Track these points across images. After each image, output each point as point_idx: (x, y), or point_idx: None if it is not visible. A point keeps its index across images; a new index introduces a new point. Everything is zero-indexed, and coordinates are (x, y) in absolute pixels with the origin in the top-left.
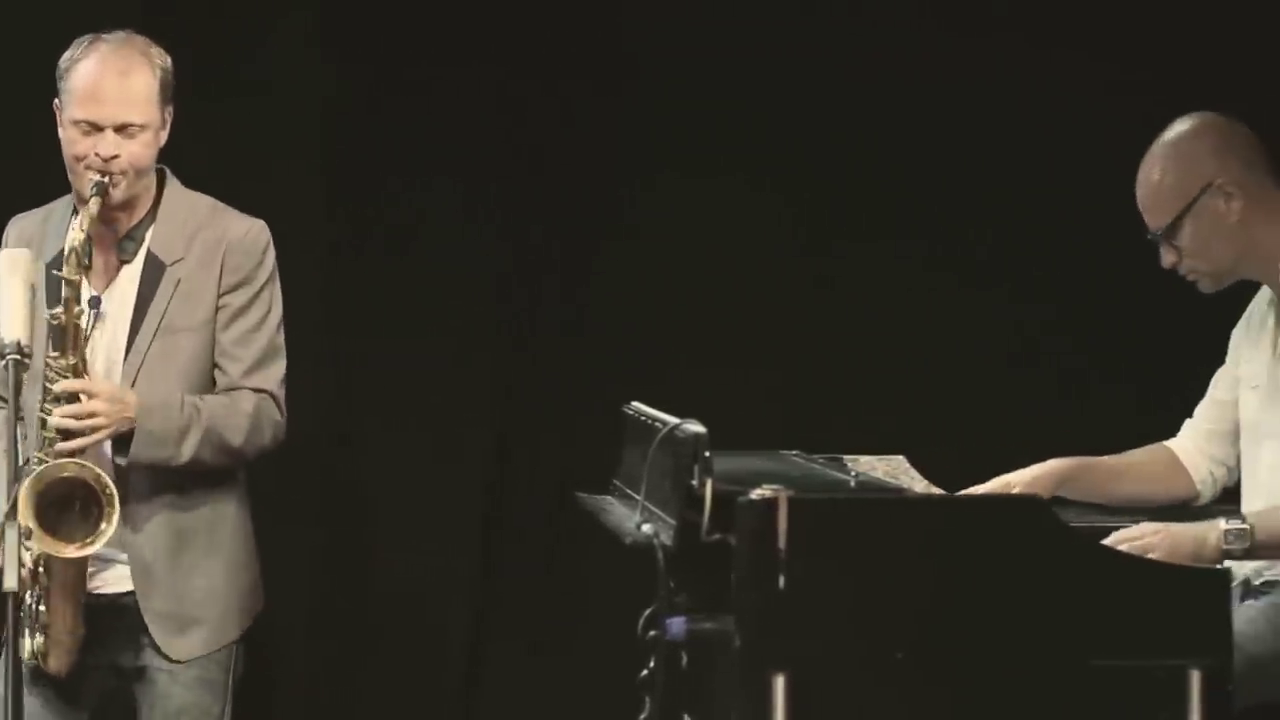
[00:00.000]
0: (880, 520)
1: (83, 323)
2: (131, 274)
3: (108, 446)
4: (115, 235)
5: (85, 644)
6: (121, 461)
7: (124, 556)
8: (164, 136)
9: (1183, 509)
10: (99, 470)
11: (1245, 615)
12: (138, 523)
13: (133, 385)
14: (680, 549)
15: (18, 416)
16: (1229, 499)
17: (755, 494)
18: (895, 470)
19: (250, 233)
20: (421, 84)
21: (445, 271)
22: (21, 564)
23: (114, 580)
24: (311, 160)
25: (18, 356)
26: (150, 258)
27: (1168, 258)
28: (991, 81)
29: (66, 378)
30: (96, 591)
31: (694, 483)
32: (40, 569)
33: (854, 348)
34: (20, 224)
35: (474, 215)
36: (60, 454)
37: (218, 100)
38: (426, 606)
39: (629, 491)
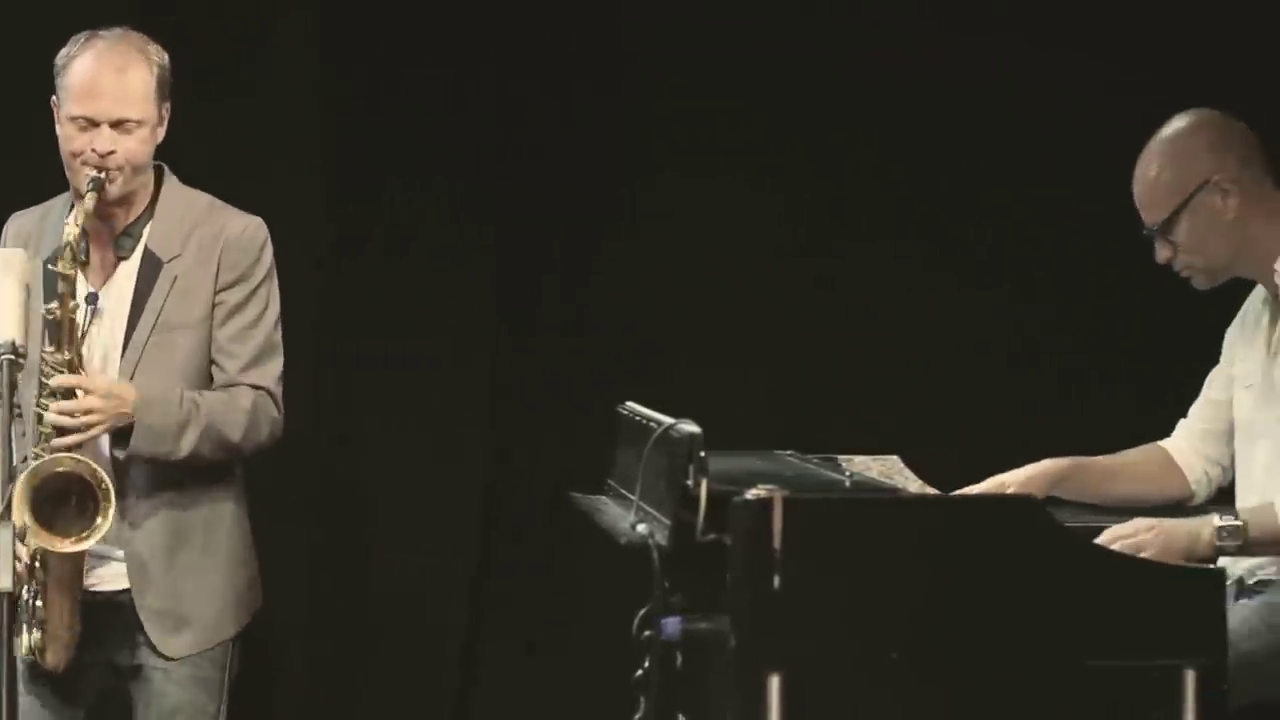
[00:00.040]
0: (875, 520)
1: (78, 318)
2: (129, 271)
3: (105, 440)
4: (113, 232)
5: (82, 641)
6: (120, 455)
7: (120, 554)
8: (161, 133)
9: (1177, 509)
10: (94, 465)
11: (1239, 615)
12: (135, 519)
13: (130, 381)
14: (675, 549)
15: (17, 414)
16: (1224, 499)
17: (750, 494)
18: (890, 470)
19: (248, 230)
20: (420, 83)
21: (443, 271)
22: (18, 558)
23: (110, 578)
24: (310, 160)
25: (11, 356)
26: (147, 254)
27: (1162, 253)
28: (991, 81)
29: (62, 373)
30: (92, 589)
31: (689, 483)
32: (37, 564)
33: (850, 348)
34: (19, 221)
35: (472, 215)
36: (57, 449)
37: (215, 100)
38: (423, 606)
39: (624, 491)
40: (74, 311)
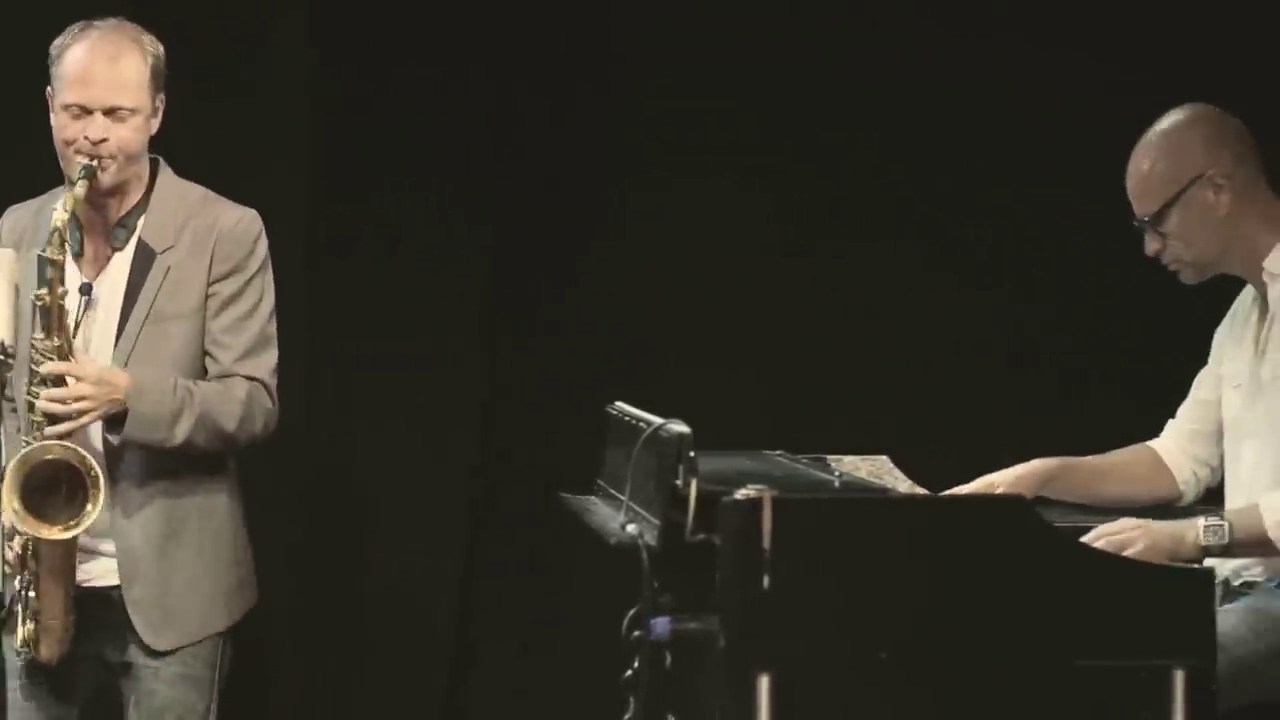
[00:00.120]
0: (864, 520)
1: (67, 303)
2: (122, 262)
3: (97, 429)
4: (107, 223)
5: (74, 635)
6: (114, 440)
7: (110, 548)
8: (155, 124)
9: (1166, 509)
10: (84, 453)
11: (1227, 621)
12: (127, 508)
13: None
14: (664, 549)
15: (11, 410)
16: (1213, 500)
17: (739, 494)
18: (879, 470)
19: (242, 222)
20: (411, 83)
21: (432, 271)
22: (10, 548)
23: (101, 573)
24: (301, 159)
25: (0, 356)
26: (141, 245)
27: (1151, 245)
28: (989, 81)
29: (52, 359)
30: (85, 584)
31: (678, 483)
32: (29, 554)
33: (839, 348)
34: (14, 215)
35: (462, 215)
36: (49, 437)
37: (207, 99)
38: (412, 606)
39: (613, 492)
40: (63, 297)
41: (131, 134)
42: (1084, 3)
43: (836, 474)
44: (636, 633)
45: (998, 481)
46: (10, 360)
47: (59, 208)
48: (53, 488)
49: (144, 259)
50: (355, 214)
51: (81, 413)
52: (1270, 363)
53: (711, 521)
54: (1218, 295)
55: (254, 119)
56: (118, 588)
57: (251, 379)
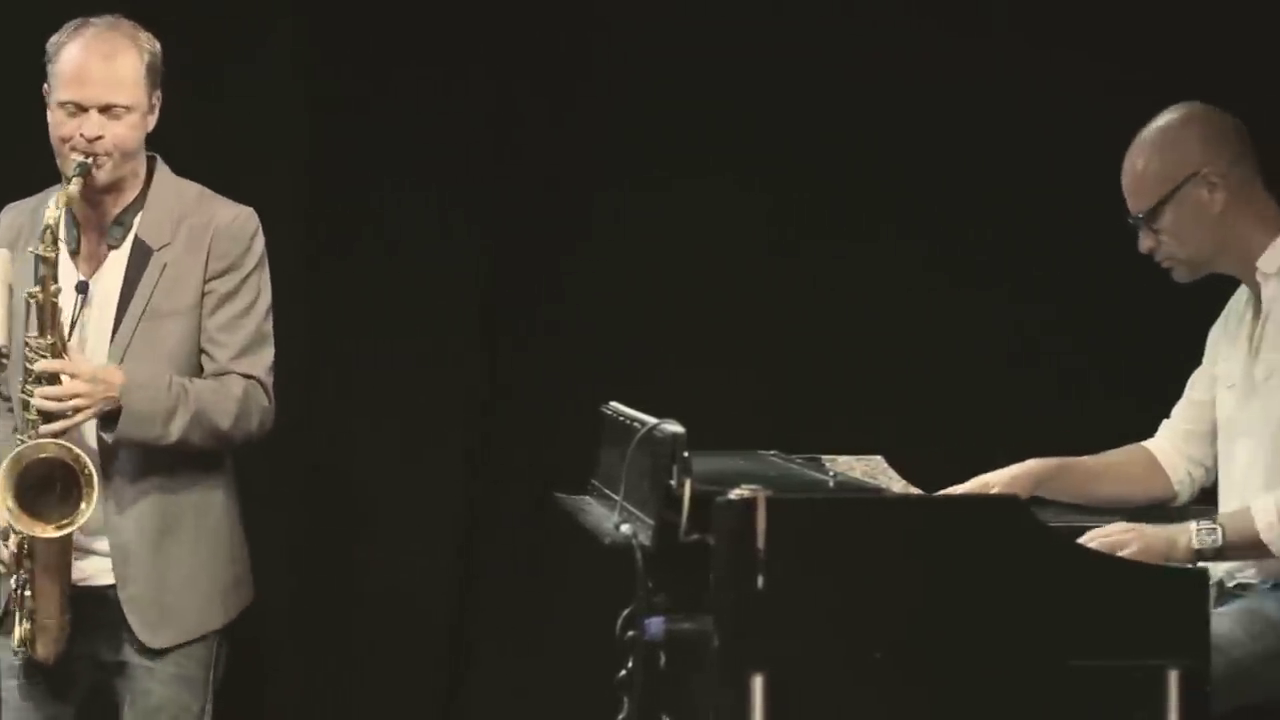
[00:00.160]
0: (858, 520)
1: (61, 301)
2: (119, 259)
3: (92, 425)
4: (104, 221)
5: (70, 634)
6: (108, 438)
7: (105, 547)
8: (152, 121)
9: (1160, 509)
10: (78, 451)
11: (1222, 623)
12: (123, 505)
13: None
14: (659, 549)
15: (7, 409)
16: (1207, 499)
17: (733, 494)
18: (873, 470)
19: (238, 219)
20: (409, 83)
21: (430, 271)
22: (5, 547)
23: (96, 572)
24: (298, 159)
25: None
26: (137, 243)
27: (1145, 242)
28: (989, 81)
29: (46, 357)
30: (80, 583)
31: (672, 483)
32: (24, 553)
33: (834, 348)
34: (11, 213)
35: (459, 215)
36: (44, 435)
37: (204, 99)
38: (408, 606)
39: (607, 492)
40: (56, 295)
41: (127, 131)
42: (1084, 3)
43: (831, 474)
44: (631, 633)
45: (993, 482)
46: (4, 359)
47: (51, 205)
48: (47, 486)
49: (140, 256)
50: (354, 214)
51: (76, 410)
52: (1264, 362)
53: (706, 521)
54: (1216, 295)
55: (252, 118)
56: (113, 586)
57: (248, 377)
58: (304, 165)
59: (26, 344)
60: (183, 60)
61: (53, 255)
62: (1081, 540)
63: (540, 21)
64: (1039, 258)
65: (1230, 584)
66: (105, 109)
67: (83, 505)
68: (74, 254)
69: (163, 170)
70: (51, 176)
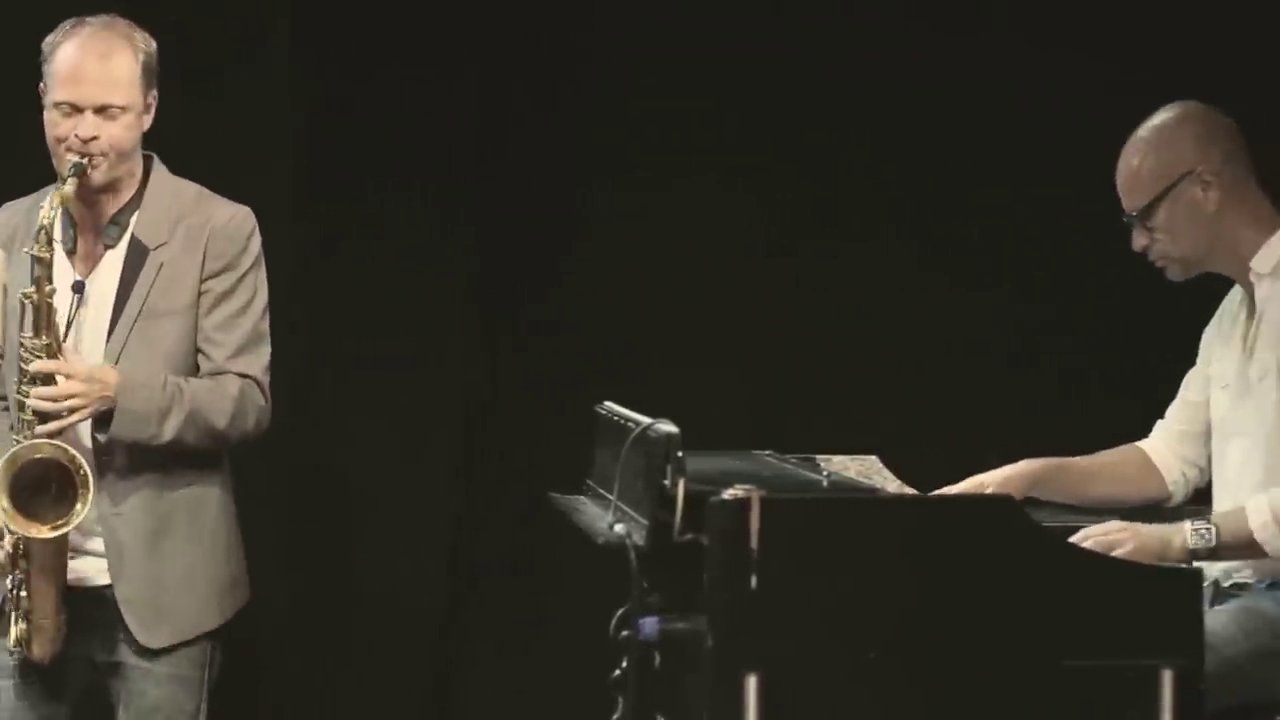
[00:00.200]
0: (853, 520)
1: (55, 302)
2: (115, 259)
3: (86, 426)
4: (100, 220)
5: (66, 634)
6: (101, 438)
7: (101, 547)
8: (147, 121)
9: (1155, 510)
10: (73, 451)
11: (1216, 619)
12: (118, 505)
13: (113, 366)
14: (653, 549)
15: (3, 409)
16: (1201, 500)
17: (728, 494)
18: (868, 470)
19: (235, 219)
20: (396, 84)
21: (419, 271)
22: (1, 547)
23: (91, 572)
24: (286, 159)
25: None
26: (134, 242)
27: (1139, 240)
28: (981, 80)
29: (41, 358)
30: (75, 583)
31: (666, 483)
32: (19, 553)
33: (828, 348)
34: (6, 213)
35: (448, 215)
36: (39, 436)
37: (195, 98)
38: (400, 607)
39: (602, 491)
40: (50, 295)
41: (122, 132)
42: (1084, 3)
43: (825, 474)
44: (625, 632)
45: (987, 482)
46: None
47: (46, 205)
48: (42, 486)
49: (137, 256)
50: (345, 214)
51: (72, 410)
52: (1258, 362)
53: (699, 521)
54: (1211, 296)
55: (245, 118)
56: (108, 586)
57: (244, 376)
58: (295, 165)
59: (21, 344)
60: (176, 60)
61: (47, 256)
62: (1076, 537)
63: (530, 21)
64: (1034, 257)
65: (1226, 583)
66: (100, 109)
67: (78, 506)
68: (70, 254)
69: (159, 170)
70: (49, 176)
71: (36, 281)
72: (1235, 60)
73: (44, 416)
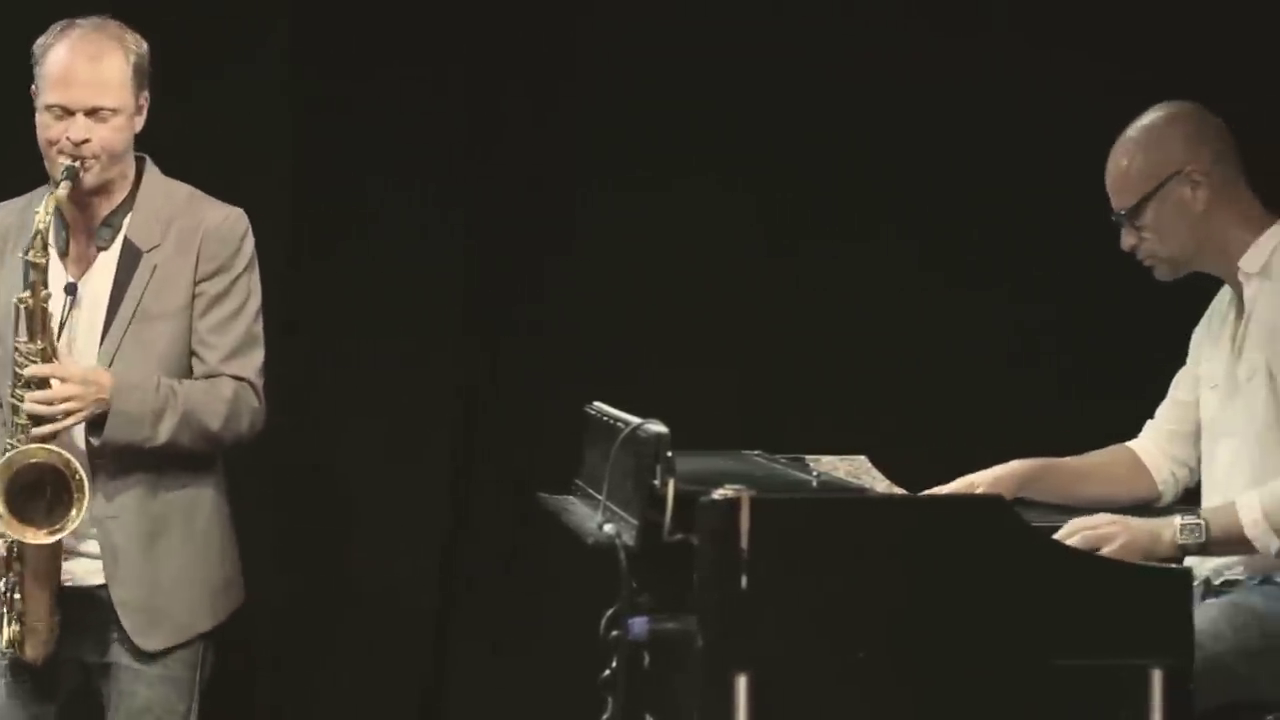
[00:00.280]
0: (842, 520)
1: (50, 306)
2: (108, 261)
3: (80, 431)
4: (92, 222)
5: (58, 636)
6: (95, 441)
7: (95, 549)
8: (139, 122)
9: (1145, 510)
10: (68, 456)
11: (1205, 615)
12: (112, 508)
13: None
14: (642, 549)
15: None
16: (1191, 500)
17: (717, 494)
18: (857, 470)
19: (228, 221)
20: (391, 84)
21: (415, 270)
22: None
23: (85, 572)
24: (283, 159)
25: None
26: (127, 244)
27: (1127, 240)
28: (977, 80)
29: (36, 362)
30: (68, 583)
31: (656, 483)
32: (13, 556)
33: (818, 348)
34: None
35: (444, 214)
36: (34, 439)
37: (189, 99)
38: (390, 607)
39: (591, 491)
40: (46, 300)
41: (114, 134)
42: (1084, 3)
43: (814, 474)
44: (614, 632)
45: (977, 482)
46: None
47: (41, 210)
48: (37, 491)
49: (130, 258)
50: (338, 214)
51: (68, 413)
52: (1247, 362)
53: (689, 521)
54: (1205, 297)
55: (237, 119)
56: (101, 587)
57: (238, 378)
58: (289, 166)
59: (16, 349)
60: (169, 60)
61: (43, 261)
62: (1064, 529)
63: (522, 22)
64: (1030, 258)
65: (1217, 581)
66: (92, 112)
67: (73, 512)
68: (63, 255)
69: (152, 171)
70: (44, 176)
71: (32, 286)
72: (1234, 60)
73: (38, 420)
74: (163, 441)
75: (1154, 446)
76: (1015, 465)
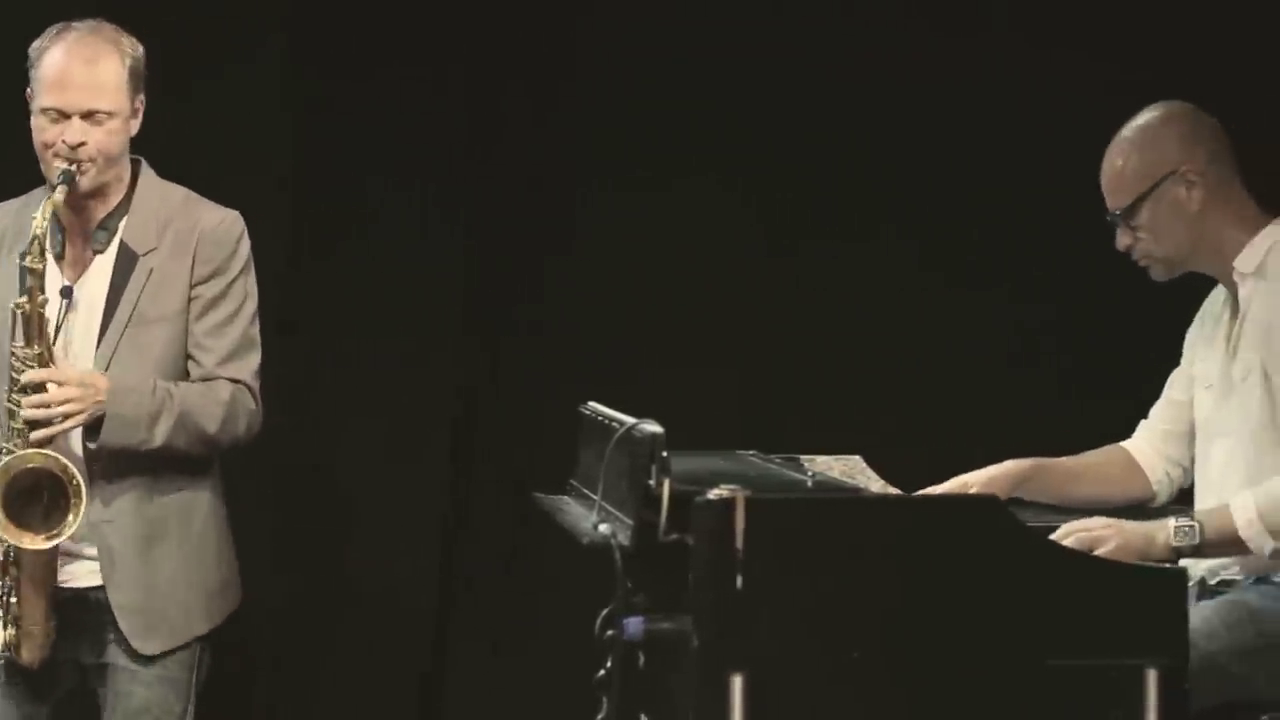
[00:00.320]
0: (837, 520)
1: (47, 311)
2: (104, 264)
3: (77, 436)
4: (88, 225)
5: (54, 639)
6: (91, 445)
7: (93, 551)
8: (135, 125)
9: (1139, 510)
10: (66, 461)
11: (1200, 614)
12: (109, 512)
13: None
14: (637, 549)
15: None
16: (1186, 500)
17: (712, 494)
18: (852, 470)
19: (223, 223)
20: (390, 84)
21: (413, 271)
22: None
23: (81, 574)
24: (281, 160)
25: None
26: (123, 248)
27: (1123, 240)
28: (990, 81)
29: (33, 367)
30: (64, 585)
31: (651, 482)
32: (10, 560)
33: (813, 348)
34: None
35: (442, 215)
36: (33, 444)
37: (187, 100)
38: (387, 607)
39: (586, 491)
40: (43, 305)
41: (110, 137)
42: (1084, 3)
43: (809, 474)
44: (610, 632)
45: (971, 482)
46: None
47: (38, 215)
48: (34, 496)
49: (126, 261)
50: (337, 214)
51: (67, 416)
52: (1242, 361)
53: (684, 521)
54: (1201, 297)
55: (235, 119)
56: (98, 588)
57: (235, 381)
58: (287, 166)
59: (13, 354)
60: (166, 62)
61: (40, 267)
62: (1059, 532)
63: (522, 22)
64: (1027, 258)
65: (1213, 581)
66: (87, 115)
67: (70, 517)
68: (58, 259)
69: (147, 174)
70: (38, 178)
71: (28, 291)
72: (1234, 61)
73: (36, 425)
74: (159, 444)
75: (1148, 446)
76: (1009, 465)
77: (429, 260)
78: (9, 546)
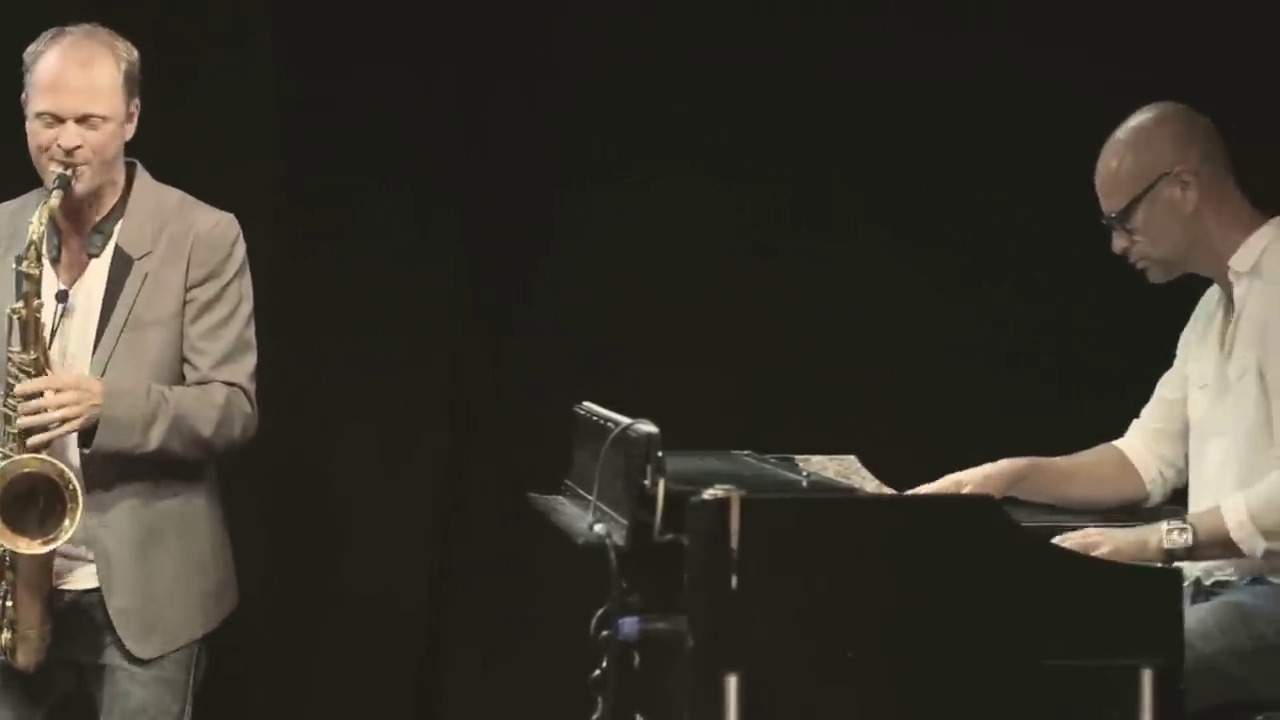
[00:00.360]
0: (832, 520)
1: (43, 316)
2: (99, 268)
3: (73, 441)
4: (84, 229)
5: (50, 643)
6: (86, 450)
7: (90, 555)
8: (130, 129)
9: (1133, 509)
10: (62, 466)
11: (1195, 616)
12: (106, 516)
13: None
14: (633, 549)
15: None
16: (1178, 500)
17: (707, 494)
18: (846, 470)
19: (218, 226)
20: (379, 84)
21: (401, 271)
22: None
23: (78, 577)
24: (270, 161)
25: None
26: (118, 252)
27: (1119, 243)
28: (990, 81)
29: (29, 373)
30: (61, 588)
31: (646, 483)
32: (6, 565)
33: (807, 348)
34: None
35: (430, 216)
36: (30, 448)
37: (176, 102)
38: (382, 608)
39: (581, 492)
40: (39, 310)
41: (104, 140)
42: (1084, 3)
43: (804, 474)
44: (605, 632)
45: (965, 481)
46: None
47: (35, 220)
48: (30, 501)
49: (121, 265)
50: (328, 215)
51: (64, 420)
52: (1237, 361)
53: (679, 521)
54: (1197, 298)
55: (224, 120)
56: (95, 590)
57: (230, 384)
58: (280, 168)
59: (9, 359)
60: (157, 63)
61: (36, 272)
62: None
63: (512, 22)
64: (1021, 259)
65: (1208, 582)
66: (82, 119)
67: (66, 522)
68: (54, 262)
69: (143, 177)
70: (37, 180)
71: (24, 297)
72: (1231, 61)
73: (32, 431)
74: (154, 448)
75: (1142, 446)
76: (1003, 464)
77: (422, 261)
78: (5, 551)
